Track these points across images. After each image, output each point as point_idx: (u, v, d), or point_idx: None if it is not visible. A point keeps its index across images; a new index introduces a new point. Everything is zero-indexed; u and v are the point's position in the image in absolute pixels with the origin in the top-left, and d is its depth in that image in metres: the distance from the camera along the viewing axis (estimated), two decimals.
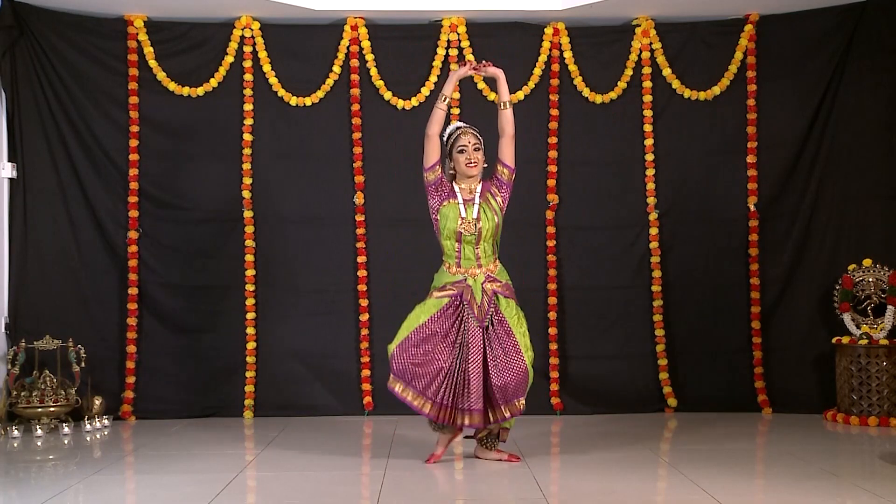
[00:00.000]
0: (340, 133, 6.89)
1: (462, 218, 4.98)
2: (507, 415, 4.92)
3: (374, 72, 6.86)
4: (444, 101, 5.07)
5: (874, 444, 5.60)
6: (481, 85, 6.86)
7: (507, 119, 5.07)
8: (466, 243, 5.00)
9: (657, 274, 6.86)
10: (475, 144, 5.03)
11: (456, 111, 6.80)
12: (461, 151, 5.03)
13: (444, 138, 5.10)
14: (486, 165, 5.10)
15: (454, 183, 5.08)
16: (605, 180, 6.94)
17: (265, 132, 6.87)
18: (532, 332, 6.74)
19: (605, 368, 6.82)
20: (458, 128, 5.10)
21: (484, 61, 5.19)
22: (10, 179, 6.60)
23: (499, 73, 5.10)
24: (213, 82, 6.83)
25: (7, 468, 5.13)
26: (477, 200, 5.01)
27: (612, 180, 6.95)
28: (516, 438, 5.68)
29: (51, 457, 5.45)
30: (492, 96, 6.84)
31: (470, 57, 6.72)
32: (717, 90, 6.91)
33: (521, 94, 6.88)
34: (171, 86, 6.80)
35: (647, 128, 6.92)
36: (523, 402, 4.97)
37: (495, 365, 4.90)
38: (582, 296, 6.88)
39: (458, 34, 6.85)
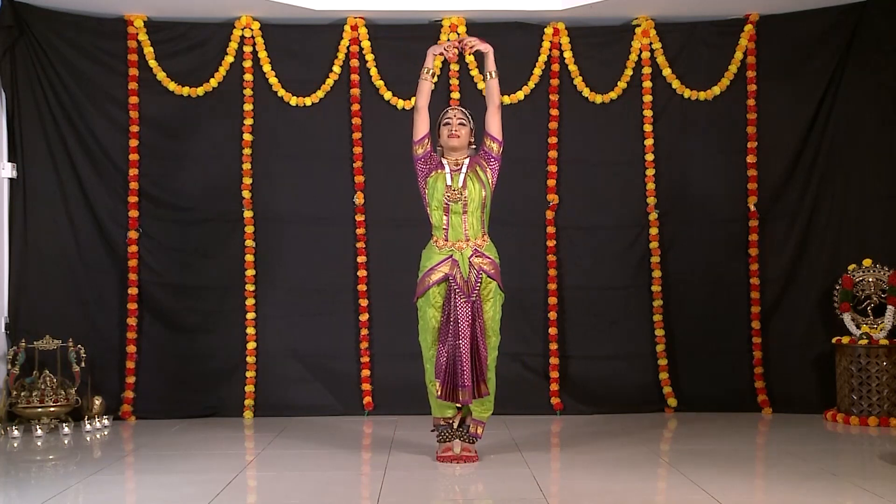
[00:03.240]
0: (340, 133, 6.89)
1: (448, 186, 5.01)
2: (478, 394, 4.95)
3: (374, 72, 6.86)
4: (428, 72, 5.12)
5: (874, 444, 5.60)
6: (481, 85, 6.86)
7: (493, 89, 5.12)
8: (454, 213, 5.02)
9: (657, 274, 6.86)
10: (460, 119, 5.12)
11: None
12: (446, 124, 5.12)
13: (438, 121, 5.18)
14: (473, 146, 5.15)
15: (442, 158, 5.13)
16: (605, 180, 6.94)
17: (265, 132, 6.87)
18: (532, 332, 6.82)
19: (605, 368, 6.82)
20: (447, 106, 5.21)
21: (475, 39, 5.15)
22: (10, 179, 6.60)
23: (488, 49, 5.10)
24: (213, 82, 6.83)
25: (7, 468, 5.13)
26: (464, 171, 5.05)
27: (612, 180, 6.95)
28: (516, 438, 5.68)
29: (51, 457, 5.44)
30: None
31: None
32: (717, 90, 6.91)
33: (521, 94, 6.89)
34: (171, 86, 6.80)
35: (647, 128, 6.92)
36: (484, 387, 4.98)
37: (476, 340, 4.96)
38: (582, 296, 6.88)
39: (458, 34, 6.85)
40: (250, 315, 6.77)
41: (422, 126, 5.11)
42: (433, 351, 5.03)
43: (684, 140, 6.94)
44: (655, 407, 6.75)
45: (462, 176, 5.03)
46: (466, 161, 5.09)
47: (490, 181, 5.09)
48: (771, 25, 6.86)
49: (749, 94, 6.88)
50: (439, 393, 4.97)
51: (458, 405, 5.08)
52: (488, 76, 5.11)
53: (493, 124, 5.10)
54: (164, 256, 6.79)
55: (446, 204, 5.01)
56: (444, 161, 5.10)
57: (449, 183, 5.02)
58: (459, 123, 5.10)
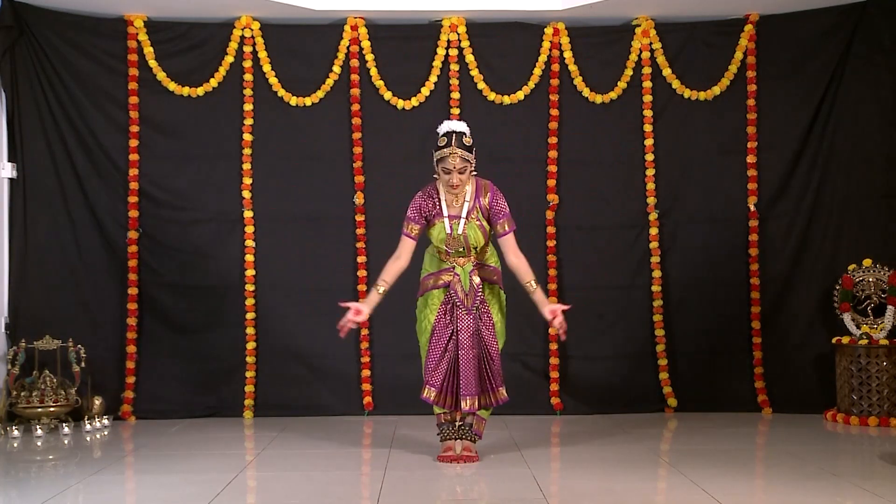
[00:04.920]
0: (340, 133, 6.88)
1: (448, 234, 4.99)
2: (494, 401, 5.01)
3: (374, 72, 6.85)
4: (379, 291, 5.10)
5: (874, 444, 5.60)
6: (481, 85, 6.87)
7: (524, 281, 5.01)
8: (457, 252, 5.05)
9: (657, 274, 6.86)
10: (460, 168, 4.87)
11: (456, 111, 6.80)
12: (446, 172, 4.91)
13: (436, 144, 4.98)
14: (474, 172, 5.01)
15: (440, 193, 5.02)
16: (605, 180, 6.94)
17: (265, 132, 6.87)
18: (532, 332, 6.81)
19: (605, 368, 6.81)
20: (447, 143, 4.88)
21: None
22: (10, 179, 6.60)
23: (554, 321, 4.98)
24: (213, 82, 6.83)
25: (7, 468, 5.13)
26: (464, 216, 4.97)
27: (612, 180, 6.94)
28: (516, 438, 5.69)
29: (51, 457, 5.44)
30: (491, 96, 6.86)
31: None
32: (717, 90, 6.91)
33: (521, 94, 6.89)
34: (171, 86, 6.80)
35: (647, 128, 6.91)
36: (503, 391, 5.03)
37: (485, 349, 4.98)
38: (582, 296, 6.86)
39: (458, 34, 6.85)
40: (250, 315, 6.77)
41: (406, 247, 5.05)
42: (425, 351, 5.07)
43: (684, 140, 6.94)
44: (655, 407, 6.75)
45: (462, 223, 4.97)
46: (468, 196, 4.97)
47: (486, 224, 5.01)
48: (771, 25, 6.86)
49: (749, 94, 6.88)
50: (433, 398, 4.99)
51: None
52: (532, 286, 4.98)
53: (510, 245, 5.00)
54: (164, 256, 6.79)
55: (447, 248, 5.02)
56: (443, 203, 5.00)
57: (448, 231, 4.99)
58: (459, 172, 4.88)
